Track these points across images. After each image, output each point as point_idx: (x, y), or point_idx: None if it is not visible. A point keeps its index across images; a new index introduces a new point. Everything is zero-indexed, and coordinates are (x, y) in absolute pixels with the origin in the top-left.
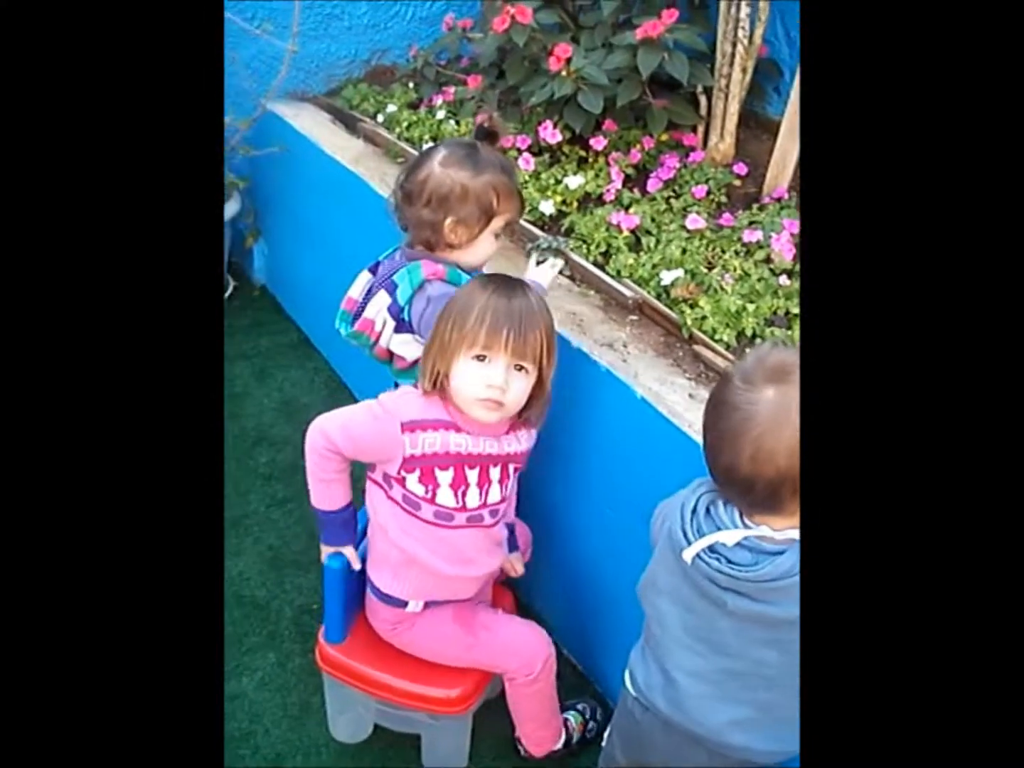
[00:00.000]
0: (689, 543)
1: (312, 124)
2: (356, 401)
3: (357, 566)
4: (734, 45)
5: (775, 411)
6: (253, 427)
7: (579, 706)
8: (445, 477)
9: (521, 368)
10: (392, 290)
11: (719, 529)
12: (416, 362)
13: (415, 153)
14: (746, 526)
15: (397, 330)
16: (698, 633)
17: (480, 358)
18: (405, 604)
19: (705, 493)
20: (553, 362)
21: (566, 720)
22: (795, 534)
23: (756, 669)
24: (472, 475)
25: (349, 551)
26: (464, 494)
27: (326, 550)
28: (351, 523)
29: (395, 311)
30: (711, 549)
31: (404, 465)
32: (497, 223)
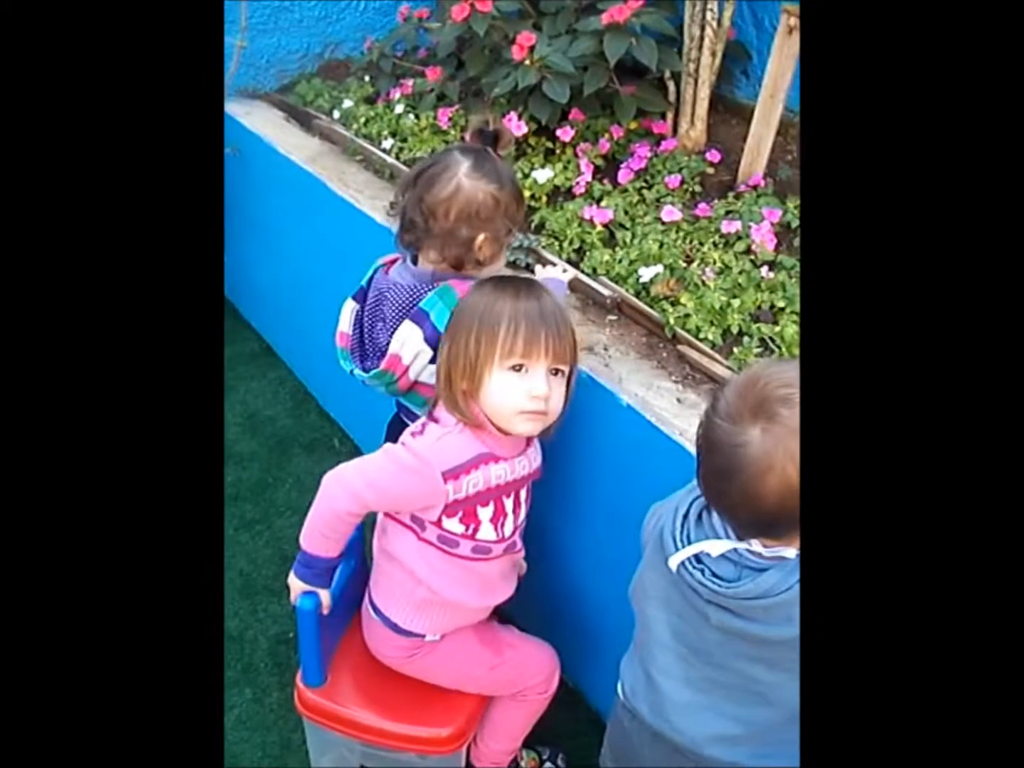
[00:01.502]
0: (677, 549)
1: (264, 123)
2: (323, 413)
3: (327, 610)
4: (702, 28)
5: (760, 456)
6: None
7: (541, 750)
8: (486, 513)
9: (557, 372)
10: (422, 319)
11: (707, 538)
12: None
13: (374, 151)
14: (738, 538)
15: (434, 359)
16: (685, 639)
17: (517, 368)
18: (423, 636)
19: (699, 497)
20: (577, 360)
21: (521, 752)
22: (786, 552)
23: (744, 683)
24: (508, 503)
25: (324, 594)
26: (503, 525)
27: (298, 587)
28: (335, 568)
29: (433, 339)
30: (697, 558)
31: (445, 511)
32: (514, 234)
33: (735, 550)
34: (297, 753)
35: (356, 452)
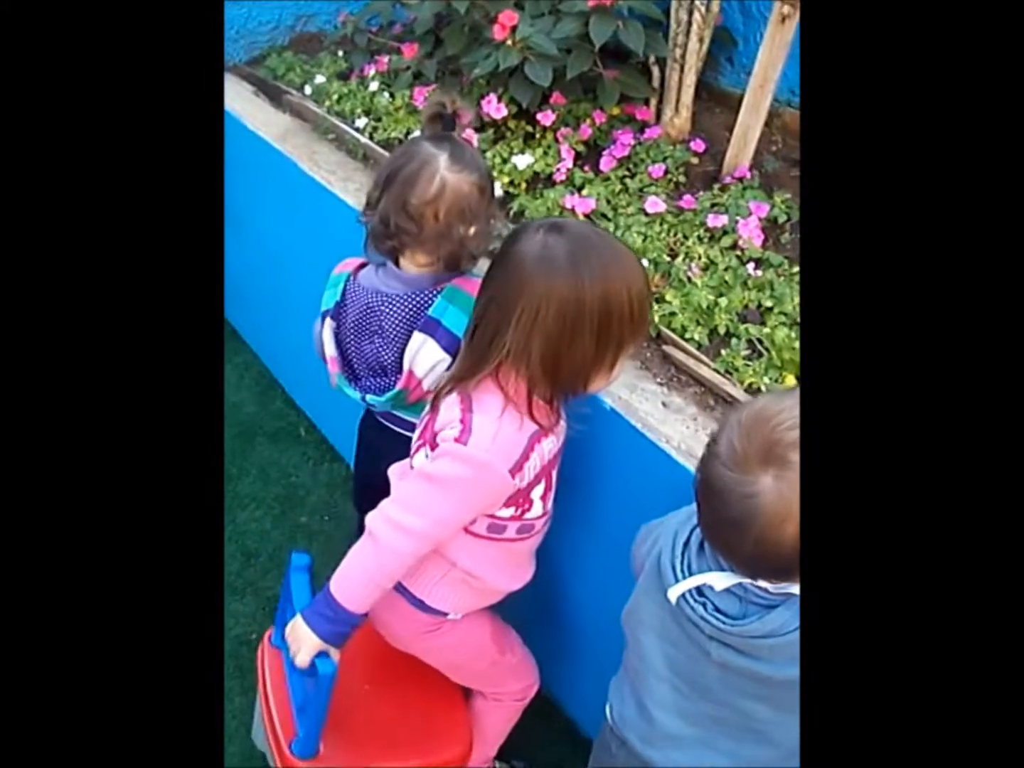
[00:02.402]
0: (676, 580)
1: (233, 97)
2: (289, 400)
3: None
4: (690, 13)
5: (776, 505)
6: None
7: (516, 763)
8: (538, 491)
9: None
10: (433, 328)
11: (710, 569)
12: None
13: (347, 129)
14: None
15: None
16: (681, 671)
17: None
18: (448, 614)
19: None
20: None
21: (495, 764)
22: (794, 588)
23: (743, 720)
24: (554, 475)
25: (336, 653)
26: (547, 499)
27: (314, 645)
28: None
29: (452, 346)
30: (698, 591)
31: (505, 501)
32: (498, 219)
33: (740, 584)
34: (261, 763)
35: (323, 442)
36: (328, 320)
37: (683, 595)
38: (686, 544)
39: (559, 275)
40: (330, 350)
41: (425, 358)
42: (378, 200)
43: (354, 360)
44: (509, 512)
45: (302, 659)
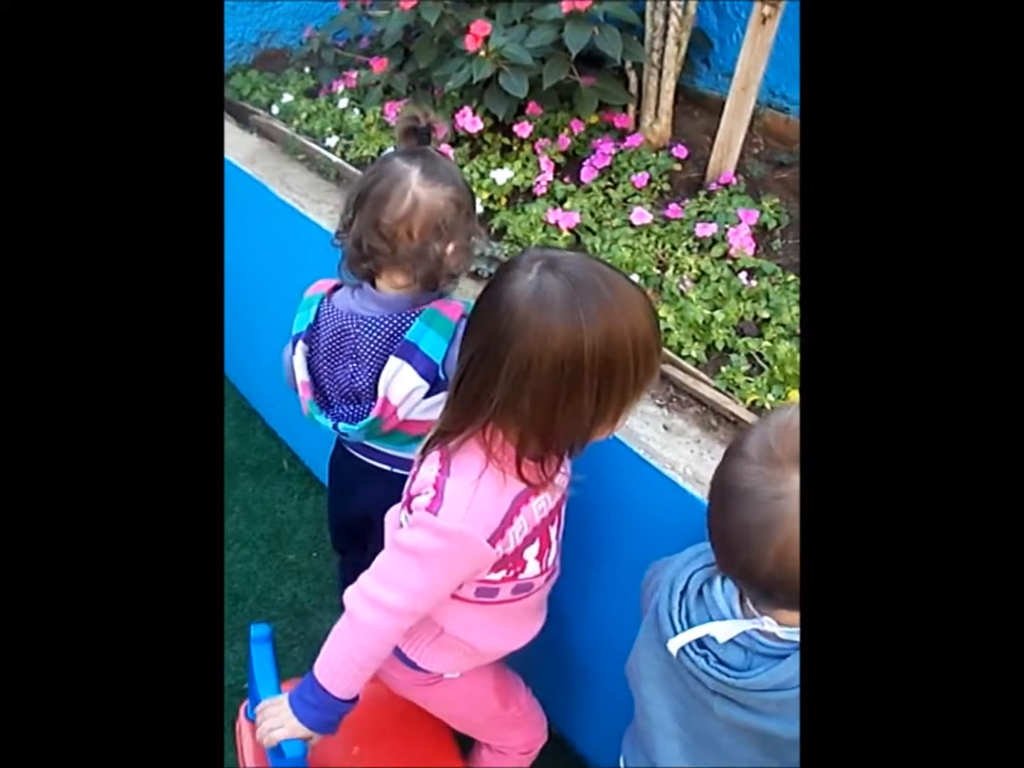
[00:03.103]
0: (676, 632)
1: None
2: (270, 431)
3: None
4: (666, 16)
5: None
6: None
7: None
8: (532, 551)
9: None
10: (410, 353)
11: (711, 619)
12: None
13: (318, 149)
14: (745, 615)
15: (430, 393)
16: (688, 724)
17: None
18: (443, 674)
19: (700, 570)
20: None
21: None
22: None
23: None
24: (552, 531)
25: (315, 738)
26: (547, 556)
27: (292, 729)
28: None
29: (430, 372)
30: (700, 643)
31: (491, 569)
32: (478, 234)
33: (745, 634)
34: None
35: (307, 475)
36: (300, 344)
37: (683, 648)
38: (684, 592)
39: (554, 323)
40: (301, 375)
41: (401, 384)
42: (351, 221)
43: (327, 386)
44: (500, 575)
45: (272, 737)
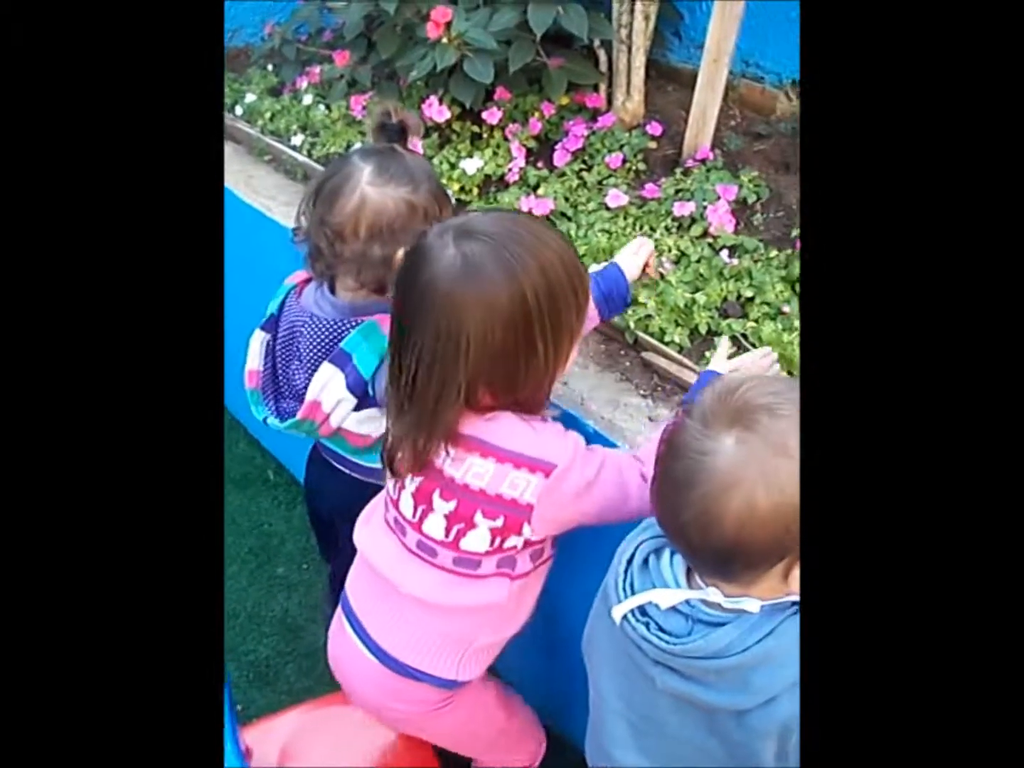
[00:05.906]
0: (620, 600)
1: None
2: (253, 441)
3: None
4: None
5: (729, 468)
6: None
7: None
8: None
9: None
10: (344, 362)
11: (653, 586)
12: (380, 438)
13: (284, 149)
14: (690, 586)
15: (358, 407)
16: (635, 704)
17: None
18: (462, 684)
19: (648, 540)
20: None
21: None
22: (749, 604)
23: (702, 760)
24: None
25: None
26: None
27: None
28: None
29: (358, 387)
30: (642, 611)
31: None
32: None
33: (687, 602)
34: None
35: (293, 484)
36: (258, 331)
37: (626, 616)
38: (630, 560)
39: (495, 288)
40: (251, 364)
41: (332, 392)
42: (305, 216)
43: (281, 379)
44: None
45: None
